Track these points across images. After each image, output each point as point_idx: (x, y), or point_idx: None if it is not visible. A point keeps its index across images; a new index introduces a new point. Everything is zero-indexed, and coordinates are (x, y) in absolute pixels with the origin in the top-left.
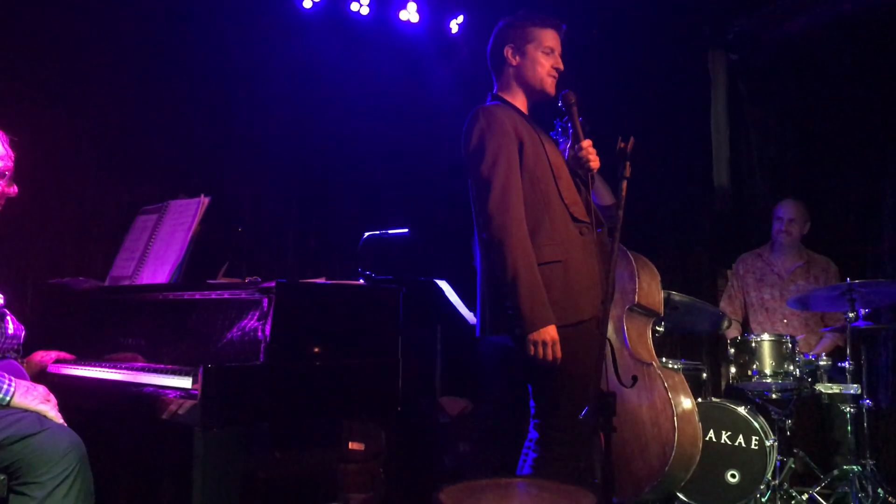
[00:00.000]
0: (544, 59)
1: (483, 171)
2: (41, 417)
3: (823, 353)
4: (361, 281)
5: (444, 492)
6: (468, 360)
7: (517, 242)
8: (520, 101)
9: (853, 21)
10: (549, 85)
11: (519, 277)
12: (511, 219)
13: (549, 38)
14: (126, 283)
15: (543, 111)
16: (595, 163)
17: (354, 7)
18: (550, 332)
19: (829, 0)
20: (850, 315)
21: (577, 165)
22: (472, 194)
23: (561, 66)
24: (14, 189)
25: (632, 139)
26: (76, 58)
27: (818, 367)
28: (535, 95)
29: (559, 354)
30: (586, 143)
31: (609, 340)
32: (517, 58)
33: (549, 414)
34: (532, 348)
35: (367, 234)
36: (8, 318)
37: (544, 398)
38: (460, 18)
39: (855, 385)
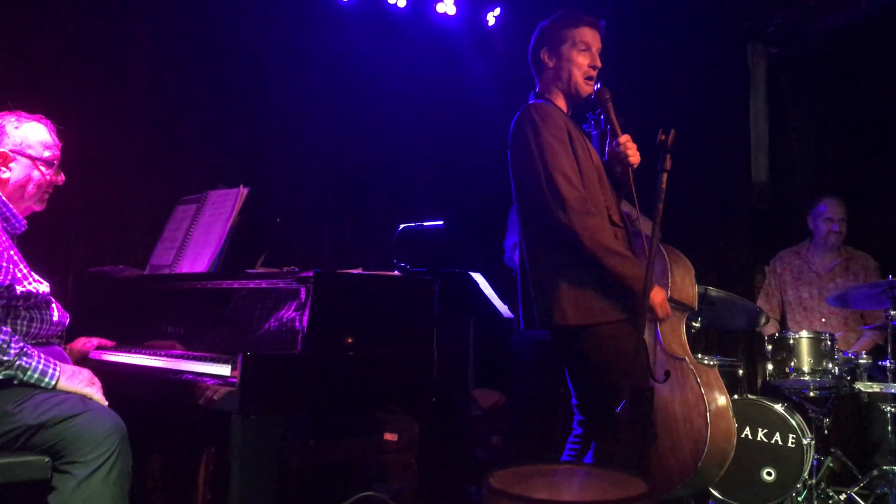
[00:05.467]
0: (580, 57)
1: (544, 164)
2: (84, 399)
3: (863, 352)
4: (397, 272)
5: (495, 476)
6: (501, 352)
7: (597, 223)
8: (560, 103)
9: (895, 14)
10: (584, 87)
11: (614, 251)
12: (584, 203)
13: (584, 35)
14: (166, 271)
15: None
16: (635, 157)
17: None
18: (660, 294)
19: None
20: (892, 313)
21: (615, 162)
22: (526, 187)
23: (598, 64)
24: (62, 178)
25: (672, 131)
26: (118, 51)
27: (858, 365)
28: (573, 97)
29: (669, 312)
30: (624, 137)
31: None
32: (553, 60)
33: (596, 411)
34: (655, 308)
35: (402, 225)
36: (53, 305)
37: (590, 395)
38: (497, 11)
39: None
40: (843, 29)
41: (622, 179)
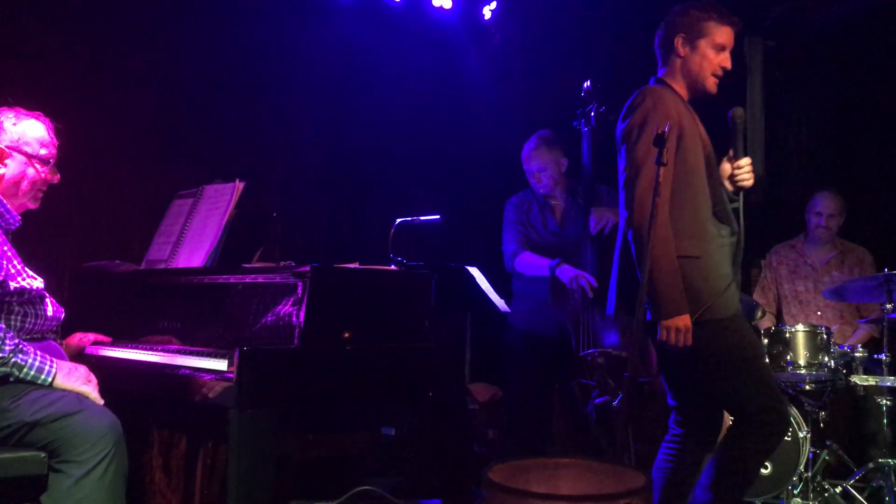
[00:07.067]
0: (713, 55)
1: (639, 152)
2: (80, 397)
3: (859, 345)
4: (393, 267)
5: (494, 470)
6: (497, 347)
7: (658, 227)
8: (681, 91)
9: (893, 8)
10: (712, 84)
11: (656, 261)
12: (658, 205)
13: (724, 35)
14: (162, 266)
15: (566, 98)
16: (748, 182)
17: None
18: (685, 320)
19: None
20: (888, 306)
21: (729, 181)
22: (621, 170)
23: (729, 65)
24: (57, 177)
25: (669, 124)
26: (112, 45)
27: (853, 358)
28: (697, 90)
29: (689, 342)
30: (744, 161)
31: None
32: (686, 49)
33: (730, 409)
34: (664, 333)
35: (398, 220)
36: (48, 300)
37: (717, 395)
38: (493, 4)
39: (891, 377)
40: (841, 21)
41: (731, 198)
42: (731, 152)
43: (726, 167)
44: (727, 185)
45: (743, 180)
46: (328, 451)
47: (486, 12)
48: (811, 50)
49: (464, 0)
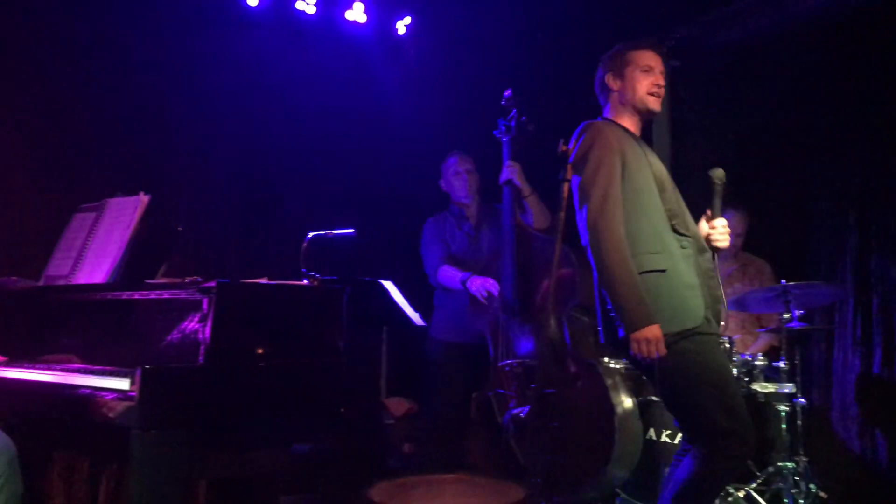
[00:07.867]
0: (643, 77)
1: (584, 181)
2: None
3: (759, 353)
4: (305, 281)
5: (375, 489)
6: (414, 361)
7: (613, 246)
8: (627, 122)
9: (792, 31)
10: (653, 102)
11: (616, 278)
12: (608, 223)
13: (646, 58)
14: (62, 282)
15: (481, 112)
16: (723, 243)
17: (300, 6)
18: (653, 331)
19: (769, 10)
20: (786, 316)
21: (706, 240)
22: (576, 203)
23: (662, 83)
24: None
25: (574, 142)
26: (11, 55)
27: (754, 366)
28: (641, 113)
29: (663, 351)
30: (719, 222)
31: (552, 339)
32: (618, 82)
33: (691, 427)
34: (635, 346)
35: (311, 234)
36: None
37: (681, 412)
38: (407, 20)
39: (790, 384)
40: (742, 44)
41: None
42: (708, 212)
43: (703, 226)
44: (704, 243)
45: (717, 241)
46: (238, 470)
47: (401, 27)
48: (714, 70)
49: (377, 15)
